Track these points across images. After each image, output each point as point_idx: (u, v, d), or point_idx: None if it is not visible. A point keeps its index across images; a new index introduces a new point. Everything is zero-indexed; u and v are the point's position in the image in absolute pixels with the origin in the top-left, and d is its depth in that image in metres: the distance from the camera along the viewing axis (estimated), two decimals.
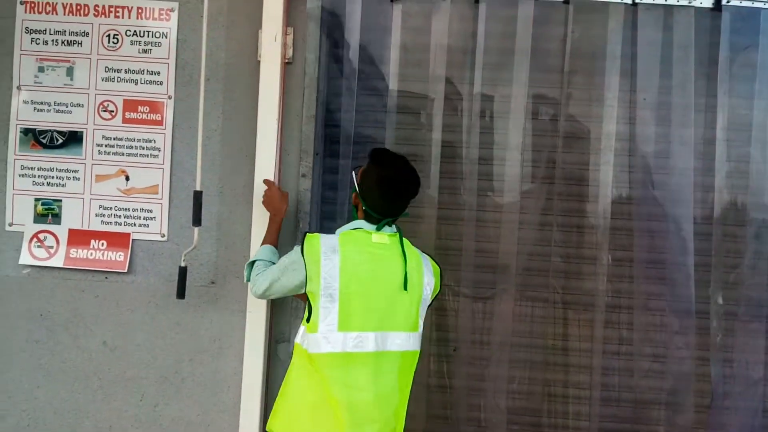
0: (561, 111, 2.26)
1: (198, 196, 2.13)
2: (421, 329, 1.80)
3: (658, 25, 2.20)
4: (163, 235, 2.31)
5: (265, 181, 2.15)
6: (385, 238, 1.78)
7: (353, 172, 1.91)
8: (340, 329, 1.68)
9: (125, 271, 2.30)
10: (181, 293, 2.16)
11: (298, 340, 1.79)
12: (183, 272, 2.16)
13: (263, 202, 2.11)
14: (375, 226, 1.79)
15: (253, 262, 1.93)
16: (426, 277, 1.80)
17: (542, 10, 2.22)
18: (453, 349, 2.28)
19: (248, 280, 1.93)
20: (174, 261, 2.27)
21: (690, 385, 2.19)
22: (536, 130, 2.29)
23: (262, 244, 2.02)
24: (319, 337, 1.69)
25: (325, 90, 2.35)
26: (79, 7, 2.33)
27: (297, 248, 1.80)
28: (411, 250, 1.82)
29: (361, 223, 1.82)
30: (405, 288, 1.73)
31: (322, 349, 1.68)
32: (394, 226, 1.84)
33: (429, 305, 1.84)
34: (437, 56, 2.25)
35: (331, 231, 2.13)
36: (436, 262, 1.90)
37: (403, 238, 1.82)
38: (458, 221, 2.28)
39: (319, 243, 1.74)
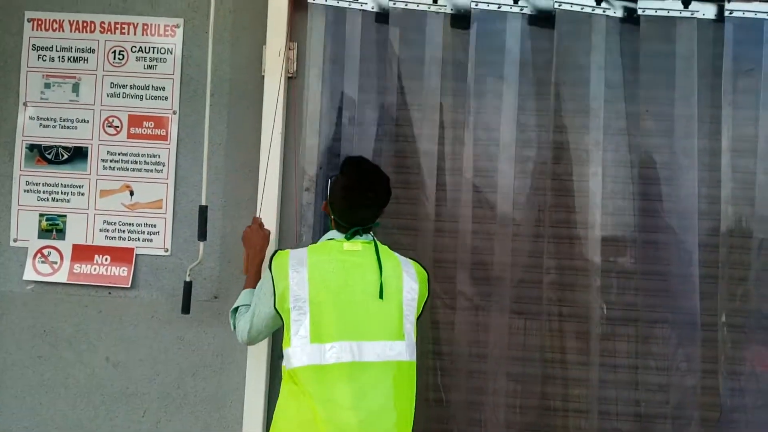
0: (552, 122, 2.25)
1: (203, 211, 2.13)
2: (409, 338, 1.70)
3: (661, 36, 2.20)
4: (167, 250, 2.31)
5: (254, 218, 2.12)
6: (357, 245, 1.75)
7: (328, 181, 1.93)
8: (312, 341, 1.62)
9: (128, 286, 2.30)
10: (186, 308, 2.15)
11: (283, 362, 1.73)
12: (188, 287, 2.15)
13: (242, 239, 2.08)
14: (346, 235, 1.78)
15: (237, 308, 1.89)
16: (407, 283, 1.74)
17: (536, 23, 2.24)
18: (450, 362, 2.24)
19: (234, 328, 1.87)
20: (177, 276, 2.27)
21: (696, 398, 2.15)
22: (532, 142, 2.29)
23: (244, 288, 1.97)
24: (293, 351, 1.63)
25: (328, 103, 2.36)
26: (85, 24, 2.36)
27: (267, 272, 1.76)
28: (388, 256, 1.77)
29: (333, 233, 1.81)
30: (380, 296, 1.68)
31: (298, 363, 1.62)
32: (370, 234, 1.81)
33: (420, 313, 1.78)
34: (432, 69, 2.26)
35: None
36: (423, 267, 1.85)
37: (380, 245, 1.78)
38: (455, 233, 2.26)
39: (287, 258, 1.71)
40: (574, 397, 2.23)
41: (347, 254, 1.73)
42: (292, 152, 2.30)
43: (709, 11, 2.19)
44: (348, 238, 1.77)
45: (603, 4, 2.19)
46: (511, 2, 2.21)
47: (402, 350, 1.68)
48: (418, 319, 1.77)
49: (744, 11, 2.16)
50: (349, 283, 1.69)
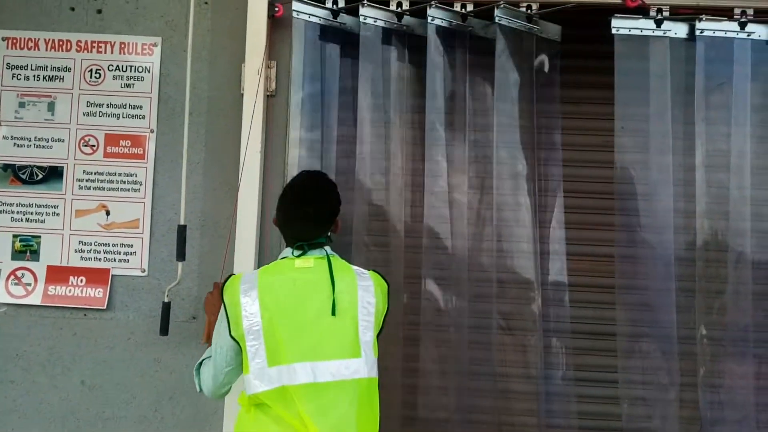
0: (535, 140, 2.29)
1: (182, 230, 2.11)
2: (367, 355, 1.64)
3: (635, 55, 2.24)
4: (144, 270, 2.28)
5: (214, 284, 2.07)
6: (309, 261, 1.68)
7: None
8: (270, 365, 1.57)
9: (104, 307, 2.26)
10: (164, 329, 2.11)
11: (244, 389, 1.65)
12: (167, 308, 2.12)
13: (204, 305, 2.05)
14: (298, 252, 1.71)
15: (200, 364, 1.79)
16: (362, 297, 1.67)
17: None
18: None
19: (200, 389, 1.77)
20: (154, 296, 2.23)
21: (676, 412, 2.16)
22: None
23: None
24: (253, 377, 1.58)
25: (307, 121, 2.36)
26: (61, 43, 2.34)
27: (222, 308, 1.69)
28: (343, 270, 1.71)
29: (286, 251, 1.75)
30: (333, 313, 1.62)
31: (257, 389, 1.57)
32: (325, 249, 1.74)
33: (381, 327, 1.72)
34: (408, 87, 2.28)
35: None
36: (384, 279, 1.78)
37: (335, 258, 1.73)
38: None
39: (238, 283, 1.65)
40: (554, 413, 2.22)
41: (299, 272, 1.67)
42: (271, 170, 2.29)
43: (680, 30, 2.23)
44: (297, 256, 1.71)
45: None
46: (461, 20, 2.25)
47: (359, 368, 1.62)
48: (378, 334, 1.71)
49: (714, 30, 2.21)
50: (301, 302, 1.63)
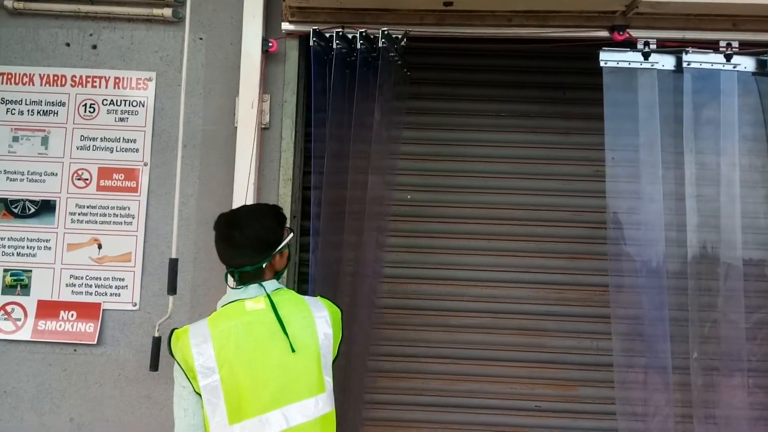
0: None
1: (174, 264, 2.09)
2: (328, 388, 1.60)
3: (624, 86, 2.27)
4: (135, 304, 2.26)
5: None
6: (260, 302, 1.60)
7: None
8: (231, 422, 1.49)
9: (95, 342, 2.23)
10: (154, 365, 2.07)
11: None
12: (157, 343, 2.08)
13: None
14: (244, 288, 1.63)
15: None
16: (321, 329, 1.61)
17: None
18: None
19: None
20: (145, 331, 2.21)
21: None
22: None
23: None
24: None
25: (301, 154, 2.38)
26: (56, 78, 2.36)
27: (174, 363, 1.59)
28: (296, 304, 1.64)
29: (232, 294, 1.65)
30: (293, 350, 1.55)
31: None
32: (263, 286, 1.63)
33: (337, 354, 1.67)
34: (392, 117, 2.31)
35: (324, 293, 2.13)
36: (336, 305, 1.73)
37: (282, 294, 1.64)
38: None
39: (187, 338, 1.54)
40: None
41: (251, 315, 1.58)
42: (265, 202, 2.29)
43: (668, 62, 2.27)
44: (242, 298, 1.61)
45: None
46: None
47: (325, 402, 1.58)
48: (334, 361, 1.66)
49: (701, 62, 2.24)
50: (261, 347, 1.55)
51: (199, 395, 1.52)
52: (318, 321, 1.62)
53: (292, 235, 1.75)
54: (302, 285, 2.37)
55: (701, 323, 2.18)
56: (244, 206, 1.81)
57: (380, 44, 2.14)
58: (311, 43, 2.14)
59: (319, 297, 1.72)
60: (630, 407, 2.17)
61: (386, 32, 2.14)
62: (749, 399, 2.16)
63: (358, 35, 2.16)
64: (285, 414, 1.52)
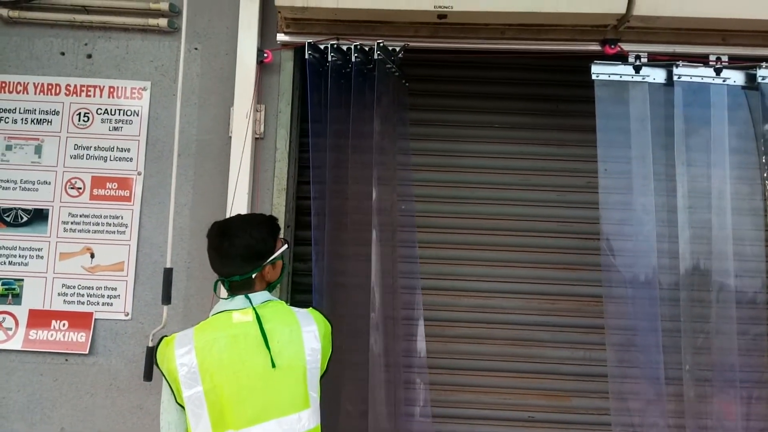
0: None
1: (168, 273, 2.08)
2: (314, 404, 1.58)
3: (615, 99, 2.29)
4: (127, 314, 2.25)
5: None
6: (248, 314, 1.58)
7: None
8: None
9: (86, 352, 2.22)
10: (148, 375, 2.05)
11: None
12: (151, 353, 2.06)
13: None
14: (231, 299, 1.63)
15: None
16: (308, 343, 1.59)
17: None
18: None
19: None
20: (137, 341, 2.20)
21: None
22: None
23: None
24: None
25: (296, 164, 2.38)
26: (50, 87, 2.36)
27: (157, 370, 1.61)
28: (284, 317, 1.61)
29: (221, 304, 1.66)
30: (273, 365, 1.53)
31: None
32: (249, 298, 1.62)
33: (326, 369, 1.65)
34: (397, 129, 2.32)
35: (303, 304, 2.12)
36: (326, 318, 1.70)
37: (271, 306, 1.62)
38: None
39: (172, 348, 1.54)
40: None
41: (238, 327, 1.56)
42: (260, 211, 2.29)
43: (659, 76, 2.30)
44: (231, 309, 1.61)
45: None
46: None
47: (308, 418, 1.56)
48: (323, 376, 1.64)
49: (691, 76, 2.27)
50: (245, 360, 1.52)
51: (182, 407, 1.51)
52: (306, 335, 1.59)
53: (286, 246, 1.74)
54: (296, 295, 2.37)
55: (694, 334, 2.20)
56: (239, 215, 1.81)
57: (376, 56, 2.16)
58: (306, 56, 2.15)
59: (310, 309, 1.70)
60: (625, 418, 2.17)
61: (382, 44, 2.16)
62: (742, 410, 2.17)
63: (352, 47, 2.18)
64: (267, 429, 1.50)
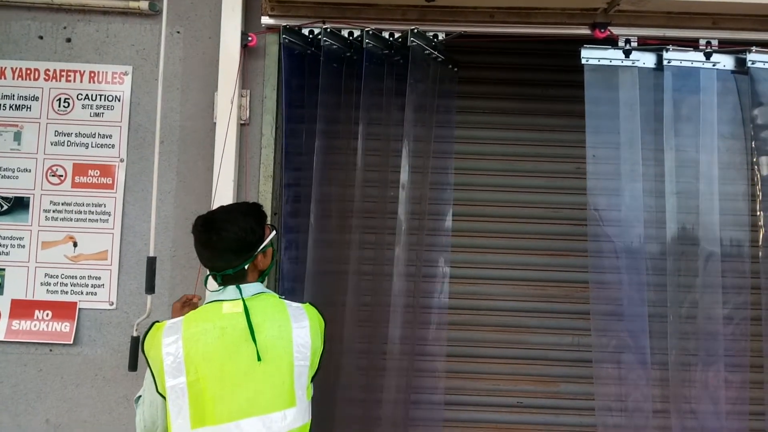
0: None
1: (152, 262, 2.05)
2: (301, 402, 1.53)
3: (605, 84, 2.27)
4: (112, 303, 2.22)
5: (184, 296, 1.95)
6: (239, 306, 1.55)
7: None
8: (194, 426, 1.44)
9: (71, 342, 2.19)
10: (133, 365, 2.03)
11: None
12: (135, 342, 2.04)
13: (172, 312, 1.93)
14: (223, 290, 1.60)
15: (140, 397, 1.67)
16: (297, 341, 1.54)
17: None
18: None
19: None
20: (123, 330, 2.18)
21: None
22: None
23: None
24: None
25: (282, 149, 2.34)
26: (29, 72, 2.30)
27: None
28: (276, 311, 1.57)
29: (213, 294, 1.62)
30: (258, 359, 1.49)
31: None
32: (240, 289, 1.59)
33: (318, 368, 1.60)
34: (393, 115, 2.28)
35: (292, 291, 2.10)
36: (320, 313, 1.66)
37: (263, 299, 1.59)
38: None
39: (160, 335, 1.51)
40: None
41: (227, 319, 1.52)
42: (244, 199, 2.26)
43: (649, 60, 2.28)
44: (222, 299, 1.58)
45: None
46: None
47: (295, 417, 1.51)
48: (314, 376, 1.60)
49: (681, 60, 2.25)
50: (232, 353, 1.49)
51: (163, 397, 1.48)
52: (295, 331, 1.55)
53: (274, 233, 1.71)
54: (285, 282, 2.34)
55: (680, 319, 2.21)
56: (222, 207, 1.74)
57: (365, 43, 2.12)
58: (281, 41, 2.11)
59: (305, 305, 1.65)
60: (609, 402, 2.19)
61: (370, 32, 2.13)
62: (726, 393, 2.19)
63: (322, 31, 2.14)
64: (249, 426, 1.46)
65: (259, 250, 1.63)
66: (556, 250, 2.42)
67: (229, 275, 1.60)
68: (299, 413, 1.52)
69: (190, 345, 1.48)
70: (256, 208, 1.72)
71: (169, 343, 1.48)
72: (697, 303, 2.20)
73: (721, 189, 2.26)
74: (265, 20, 2.22)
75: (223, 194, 2.17)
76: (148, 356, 1.51)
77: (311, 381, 1.59)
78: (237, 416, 1.45)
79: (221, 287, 1.62)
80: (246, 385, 1.48)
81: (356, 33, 2.20)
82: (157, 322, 1.57)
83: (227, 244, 1.58)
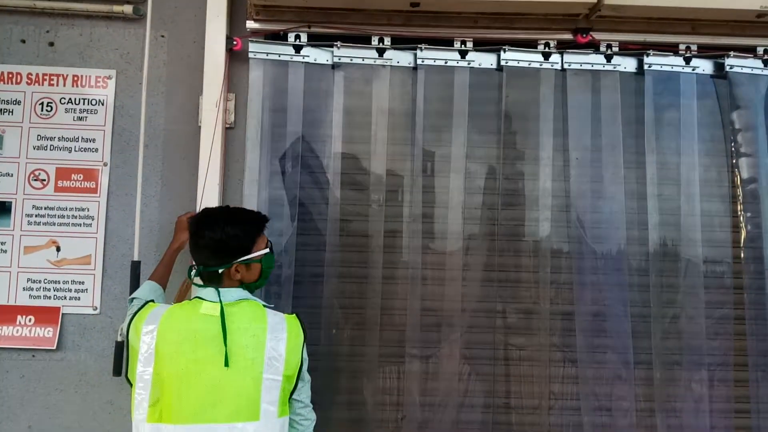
0: (500, 170, 2.32)
1: (136, 267, 2.06)
2: (268, 417, 1.48)
3: (586, 88, 2.30)
4: (96, 308, 2.20)
5: (187, 213, 2.03)
6: (217, 309, 1.53)
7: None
8: (148, 420, 1.43)
9: (54, 348, 2.17)
10: (117, 370, 2.03)
11: None
12: (120, 347, 2.04)
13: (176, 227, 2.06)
14: (203, 288, 1.61)
15: (133, 299, 1.78)
16: (269, 353, 1.50)
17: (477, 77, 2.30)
18: (401, 417, 2.22)
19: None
20: (107, 335, 2.16)
21: None
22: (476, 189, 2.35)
23: (149, 278, 1.90)
24: (135, 425, 1.48)
25: (268, 154, 2.34)
26: (11, 76, 2.28)
27: (129, 315, 1.63)
28: (248, 321, 1.54)
29: (199, 291, 1.63)
30: (226, 365, 1.47)
31: None
32: (218, 292, 1.58)
33: (296, 384, 1.56)
34: (378, 119, 2.29)
35: (277, 297, 2.10)
36: (303, 327, 1.61)
37: (245, 305, 1.58)
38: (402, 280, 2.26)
39: (142, 322, 1.53)
40: None
41: (202, 320, 1.52)
42: (230, 203, 2.25)
43: (630, 65, 2.32)
44: (204, 297, 1.59)
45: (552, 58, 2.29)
46: (458, 57, 2.27)
47: (256, 431, 1.46)
48: (293, 391, 1.56)
49: (661, 65, 2.30)
50: (199, 356, 1.47)
51: (130, 384, 1.51)
52: (270, 343, 1.52)
53: (267, 251, 1.69)
54: (268, 287, 2.33)
55: (663, 319, 2.24)
56: (228, 206, 1.76)
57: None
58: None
59: (289, 317, 1.62)
60: (594, 402, 2.21)
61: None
62: (710, 392, 2.22)
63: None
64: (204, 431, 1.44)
65: (239, 260, 1.62)
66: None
67: (205, 273, 1.63)
68: (266, 428, 1.47)
69: (161, 338, 1.50)
70: (257, 220, 1.71)
71: (146, 332, 1.51)
72: (680, 303, 2.24)
73: (702, 191, 2.31)
74: (251, 24, 2.23)
75: (209, 198, 2.17)
76: (129, 338, 1.55)
77: (291, 398, 1.56)
78: (193, 419, 1.44)
79: (202, 284, 1.64)
80: (206, 390, 1.46)
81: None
82: (151, 302, 1.61)
83: (207, 241, 1.61)
